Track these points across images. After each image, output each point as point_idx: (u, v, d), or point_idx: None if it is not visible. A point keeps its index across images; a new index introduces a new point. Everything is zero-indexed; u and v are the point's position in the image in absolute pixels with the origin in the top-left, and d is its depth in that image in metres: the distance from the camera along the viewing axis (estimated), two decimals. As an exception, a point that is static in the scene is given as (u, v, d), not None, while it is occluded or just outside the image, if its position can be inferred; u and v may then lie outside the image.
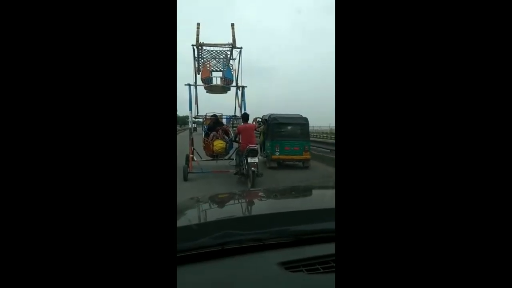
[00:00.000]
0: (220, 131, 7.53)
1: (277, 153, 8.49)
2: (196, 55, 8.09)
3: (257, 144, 6.65)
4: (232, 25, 8.06)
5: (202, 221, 1.14)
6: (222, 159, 7.49)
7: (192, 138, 7.49)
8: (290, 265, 0.73)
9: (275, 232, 0.87)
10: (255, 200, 1.54)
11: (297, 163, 8.75)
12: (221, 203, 1.51)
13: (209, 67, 8.15)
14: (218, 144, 7.16)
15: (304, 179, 7.25)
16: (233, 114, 8.45)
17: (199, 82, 8.14)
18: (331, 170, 7.21)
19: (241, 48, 8.06)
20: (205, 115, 8.02)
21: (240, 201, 1.53)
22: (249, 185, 5.74)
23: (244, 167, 6.09)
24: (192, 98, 7.97)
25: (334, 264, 0.71)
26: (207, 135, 7.51)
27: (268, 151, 8.72)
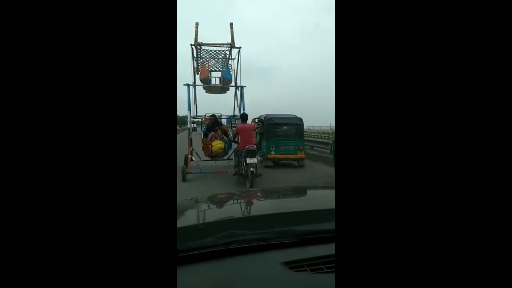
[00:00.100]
0: (219, 131, 7.49)
1: (273, 152, 8.74)
2: (195, 55, 8.06)
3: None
4: (231, 24, 8.03)
5: (205, 221, 1.14)
6: (221, 160, 7.45)
7: (191, 138, 7.46)
8: (294, 265, 0.74)
9: (279, 232, 0.87)
10: (256, 200, 1.54)
11: (292, 162, 9.00)
12: (222, 203, 1.51)
13: (207, 67, 8.12)
14: (217, 145, 7.11)
15: (305, 179, 7.29)
16: (232, 114, 8.42)
17: (198, 82, 8.12)
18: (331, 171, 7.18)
19: (240, 47, 8.04)
20: (205, 115, 7.99)
21: (241, 201, 1.53)
22: (248, 185, 5.70)
23: (243, 167, 6.04)
24: (191, 98, 7.94)
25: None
26: (205, 135, 7.46)
27: (264, 151, 8.88)
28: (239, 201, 1.54)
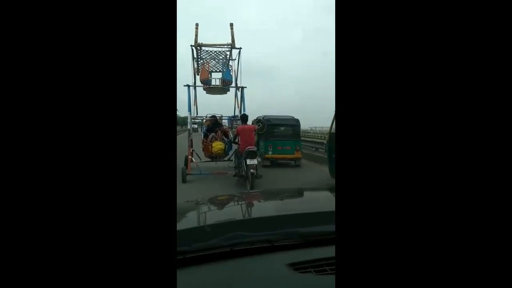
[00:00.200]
0: (219, 132, 7.45)
1: (270, 152, 9.00)
2: (195, 56, 8.04)
3: None
4: (231, 25, 8.00)
5: (209, 223, 1.15)
6: (221, 161, 7.42)
7: (191, 139, 7.42)
8: (298, 266, 0.75)
9: (283, 234, 0.88)
10: (259, 202, 1.56)
11: (289, 161, 9.30)
12: (224, 205, 1.52)
13: (208, 68, 8.09)
14: (217, 146, 7.08)
15: (301, 178, 7.33)
16: (233, 115, 8.38)
17: (198, 83, 8.10)
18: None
19: (240, 48, 8.01)
20: (205, 116, 7.96)
21: (243, 203, 1.54)
22: (248, 187, 5.66)
23: (243, 168, 6.00)
24: (191, 99, 7.92)
25: None
26: (206, 136, 7.43)
27: (262, 150, 9.03)
28: (241, 202, 1.55)
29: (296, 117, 9.80)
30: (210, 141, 7.19)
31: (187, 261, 0.76)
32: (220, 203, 1.52)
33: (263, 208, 1.42)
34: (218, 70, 8.29)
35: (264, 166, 8.68)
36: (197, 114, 8.26)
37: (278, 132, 9.25)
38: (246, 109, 7.70)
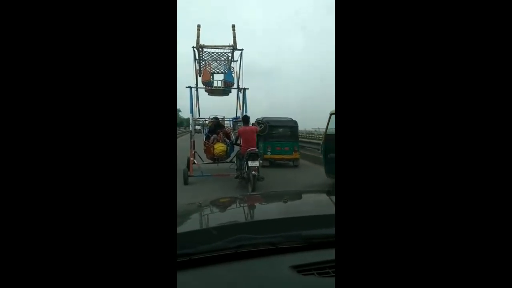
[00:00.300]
0: (221, 134, 7.42)
1: (269, 153, 9.24)
2: (197, 57, 8.02)
3: None
4: (233, 26, 7.99)
5: (213, 225, 1.17)
6: (223, 162, 7.38)
7: (194, 141, 7.40)
8: (302, 269, 0.76)
9: (287, 236, 0.89)
10: (261, 205, 1.58)
11: (287, 162, 9.54)
12: (227, 207, 1.53)
13: (209, 69, 8.07)
14: (219, 147, 7.04)
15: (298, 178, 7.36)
16: (235, 116, 8.35)
17: (200, 84, 8.09)
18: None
19: (242, 49, 7.98)
20: (209, 117, 7.93)
21: (245, 205, 1.55)
22: (250, 189, 5.61)
23: (244, 170, 5.95)
24: (193, 101, 7.89)
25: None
26: (208, 138, 7.40)
27: (260, 151, 9.16)
28: (243, 205, 1.56)
29: (299, 118, 10.04)
30: (212, 143, 7.15)
31: (192, 262, 0.77)
32: (223, 206, 1.53)
33: (266, 211, 1.43)
34: (220, 72, 8.27)
35: (263, 167, 8.73)
36: (199, 115, 8.25)
37: (277, 133, 9.49)
38: (248, 110, 7.68)
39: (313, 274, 0.75)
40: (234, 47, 7.97)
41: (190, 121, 7.64)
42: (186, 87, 7.92)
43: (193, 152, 7.23)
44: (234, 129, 8.05)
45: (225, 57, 8.33)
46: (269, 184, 6.16)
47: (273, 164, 9.31)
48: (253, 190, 5.48)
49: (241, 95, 8.10)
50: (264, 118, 9.68)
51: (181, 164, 6.80)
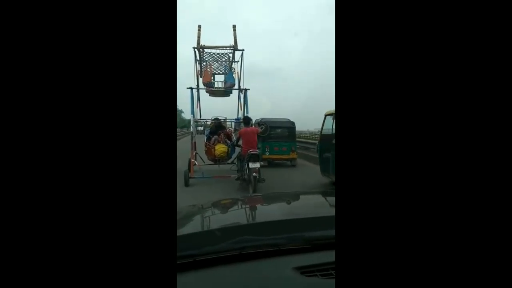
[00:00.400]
0: (222, 135, 7.38)
1: (267, 153, 9.54)
2: (197, 58, 7.99)
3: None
4: (234, 26, 7.96)
5: (214, 227, 1.17)
6: (224, 164, 7.35)
7: (195, 142, 7.37)
8: (305, 270, 0.76)
9: (290, 238, 0.90)
10: (263, 206, 1.59)
11: (285, 162, 9.88)
12: (228, 209, 1.54)
13: (210, 70, 8.04)
14: (220, 148, 7.01)
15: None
16: (236, 117, 8.32)
17: (201, 85, 8.05)
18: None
19: (243, 50, 7.95)
20: (211, 118, 7.90)
21: (247, 207, 1.55)
22: (251, 191, 5.57)
23: (245, 172, 5.92)
24: (194, 102, 7.86)
25: None
26: (208, 139, 7.37)
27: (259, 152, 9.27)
28: (244, 206, 1.57)
29: (302, 119, 10.33)
30: (213, 144, 7.12)
31: (197, 263, 0.78)
32: (224, 207, 1.55)
33: (268, 212, 1.44)
34: (221, 72, 8.24)
35: (262, 166, 8.85)
36: (200, 116, 8.22)
37: (275, 134, 9.74)
38: (249, 111, 7.64)
39: (316, 275, 0.75)
40: (235, 48, 7.94)
41: (191, 122, 7.62)
42: (187, 88, 7.89)
43: (194, 154, 7.20)
44: (236, 130, 8.02)
45: (226, 58, 8.30)
46: (269, 184, 6.13)
47: (271, 164, 9.56)
48: (254, 192, 5.44)
49: (242, 95, 8.06)
50: (262, 119, 9.80)
51: (182, 166, 6.78)
